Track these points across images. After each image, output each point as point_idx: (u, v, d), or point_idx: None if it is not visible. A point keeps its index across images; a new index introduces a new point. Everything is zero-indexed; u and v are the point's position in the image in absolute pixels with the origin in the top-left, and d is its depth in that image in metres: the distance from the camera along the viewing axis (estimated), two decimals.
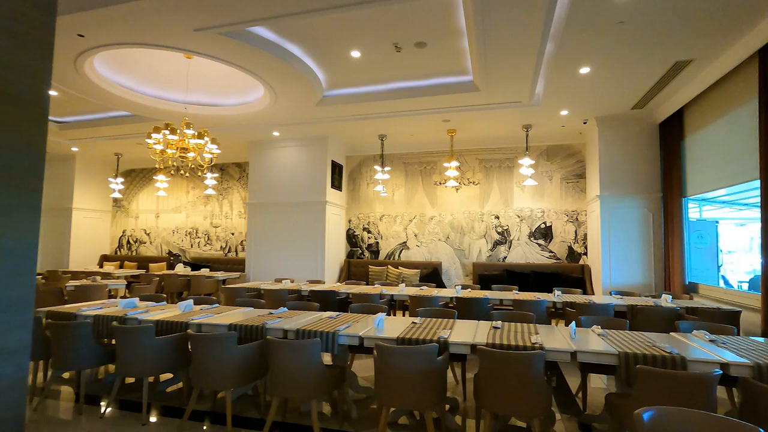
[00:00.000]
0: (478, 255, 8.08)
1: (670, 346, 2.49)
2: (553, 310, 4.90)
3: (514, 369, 2.37)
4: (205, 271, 8.23)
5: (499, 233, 8.01)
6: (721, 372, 2.04)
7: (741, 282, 9.20)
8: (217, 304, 4.19)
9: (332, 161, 8.22)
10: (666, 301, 4.56)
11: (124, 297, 7.09)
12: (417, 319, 3.44)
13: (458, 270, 8.17)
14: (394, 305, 5.63)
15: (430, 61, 5.16)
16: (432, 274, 7.96)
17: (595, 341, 2.72)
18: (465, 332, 2.99)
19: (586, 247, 7.52)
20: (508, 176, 8.03)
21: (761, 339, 2.93)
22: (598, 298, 5.11)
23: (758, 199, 7.88)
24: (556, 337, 2.84)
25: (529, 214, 7.87)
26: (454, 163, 7.33)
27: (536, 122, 6.92)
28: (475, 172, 8.21)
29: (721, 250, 6.67)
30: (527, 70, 5.01)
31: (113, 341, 3.43)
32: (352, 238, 8.86)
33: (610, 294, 5.44)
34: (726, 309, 4.12)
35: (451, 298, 5.02)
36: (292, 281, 6.64)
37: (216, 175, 9.68)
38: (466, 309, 4.58)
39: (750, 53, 4.14)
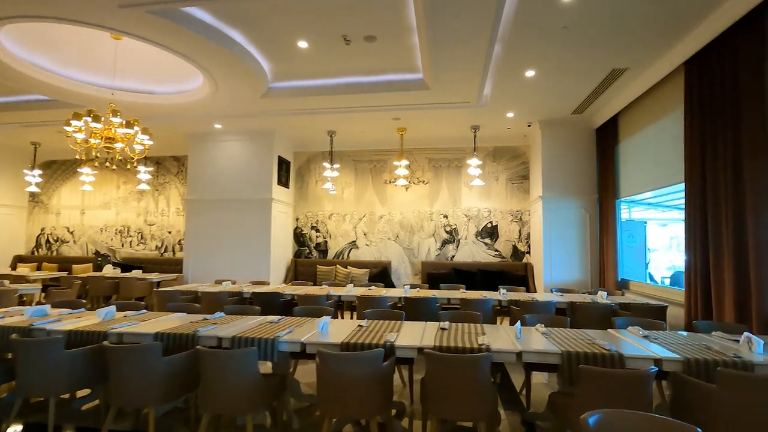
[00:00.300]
0: (427, 254, 8.11)
1: (609, 344, 2.55)
2: (498, 308, 4.97)
3: (461, 372, 2.31)
4: (137, 273, 7.58)
5: (447, 232, 8.09)
6: (657, 369, 2.10)
7: (664, 278, 10.01)
8: (145, 310, 3.81)
9: (279, 157, 7.89)
10: (602, 297, 4.78)
11: (40, 303, 6.35)
12: (364, 322, 3.31)
13: (407, 269, 8.15)
14: (341, 306, 5.47)
15: (381, 56, 5.05)
16: (381, 274, 7.88)
17: (539, 340, 2.74)
18: (412, 334, 2.91)
19: (529, 246, 7.79)
20: (457, 176, 8.13)
21: (685, 333, 3.11)
22: (541, 295, 5.27)
23: (679, 201, 8.59)
24: (502, 337, 2.83)
25: (476, 213, 8.02)
26: (404, 162, 7.30)
27: (484, 123, 7.04)
28: (424, 172, 8.23)
29: (648, 249, 7.19)
30: (476, 71, 5.05)
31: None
32: (299, 237, 8.57)
33: (552, 291, 5.64)
34: (654, 304, 4.38)
35: (400, 298, 4.95)
36: (234, 283, 6.27)
37: (151, 169, 8.98)
38: (414, 309, 4.53)
39: (677, 65, 4.43)
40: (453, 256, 8.03)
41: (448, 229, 8.09)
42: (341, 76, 5.62)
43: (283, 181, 8.11)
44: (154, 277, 7.34)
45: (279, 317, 3.52)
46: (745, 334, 2.55)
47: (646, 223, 7.12)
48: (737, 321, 3.48)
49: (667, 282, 9.41)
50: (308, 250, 8.53)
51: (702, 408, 2.13)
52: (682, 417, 2.28)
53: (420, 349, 2.60)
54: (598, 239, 6.67)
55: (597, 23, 3.92)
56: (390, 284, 7.77)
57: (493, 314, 4.78)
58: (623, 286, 6.13)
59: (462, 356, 2.32)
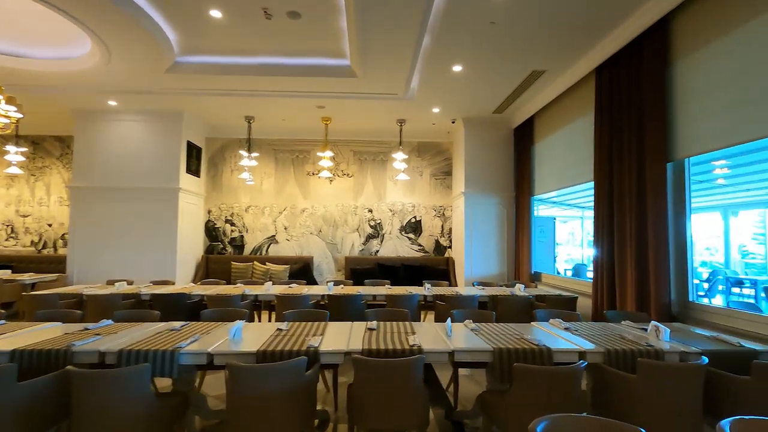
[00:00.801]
0: (351, 249, 7.90)
1: (537, 339, 2.55)
2: (423, 302, 4.92)
3: (394, 378, 2.13)
4: (5, 273, 6.32)
5: (372, 227, 7.94)
6: (586, 363, 2.10)
7: (566, 270, 10.95)
8: (4, 321, 3.07)
9: (188, 142, 7.10)
10: (520, 290, 4.96)
11: None
12: (284, 325, 2.98)
13: (330, 265, 7.87)
14: (258, 307, 5.03)
15: (305, 37, 4.69)
16: (303, 270, 7.50)
17: (470, 338, 2.66)
18: (338, 337, 2.66)
19: (450, 241, 7.95)
20: (382, 170, 8.01)
21: (595, 323, 3.28)
22: (463, 289, 5.33)
23: (578, 200, 9.39)
24: (433, 336, 2.71)
25: (400, 208, 7.98)
26: (329, 153, 6.98)
27: (410, 117, 6.99)
28: (349, 164, 7.99)
29: (557, 243, 7.74)
30: (405, 62, 4.92)
31: None
32: (212, 231, 7.83)
33: (473, 285, 5.77)
34: (566, 296, 4.63)
35: (323, 296, 4.67)
36: (131, 283, 5.47)
37: (25, 149, 7.54)
38: (339, 308, 4.28)
39: (590, 70, 4.71)
40: (377, 251, 7.92)
41: (372, 223, 7.95)
42: (261, 55, 5.14)
43: (193, 170, 7.32)
44: (28, 278, 6.17)
45: (183, 323, 3.04)
46: (653, 323, 2.71)
47: (555, 219, 7.66)
48: (638, 310, 3.77)
49: (569, 273, 10.32)
50: (222, 246, 7.83)
51: (622, 397, 2.19)
52: (603, 406, 2.34)
53: (347, 354, 2.37)
54: (514, 234, 7.00)
55: (523, 23, 3.99)
56: (312, 281, 7.43)
57: (418, 309, 4.72)
58: (536, 278, 6.49)
59: (394, 361, 2.13)
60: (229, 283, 7.11)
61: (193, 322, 3.09)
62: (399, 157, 7.00)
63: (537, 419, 1.31)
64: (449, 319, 2.93)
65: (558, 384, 2.00)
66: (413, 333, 2.75)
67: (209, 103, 6.38)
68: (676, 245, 3.62)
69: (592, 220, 4.60)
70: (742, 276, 9.46)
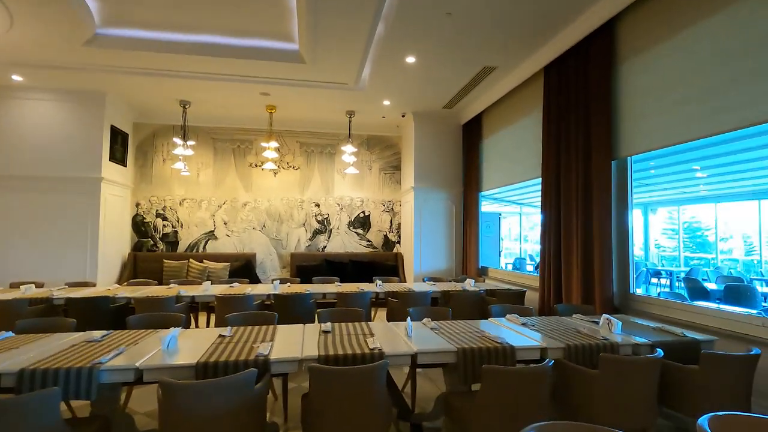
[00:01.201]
0: (297, 245, 7.56)
1: (501, 337, 2.49)
2: (374, 300, 4.78)
3: (355, 386, 1.94)
4: None
5: (319, 222, 7.66)
6: (553, 362, 2.06)
7: (508, 264, 11.38)
8: None
9: (113, 127, 6.35)
10: (470, 285, 4.98)
11: None
12: (227, 330, 2.68)
13: (275, 262, 7.48)
14: (196, 310, 4.60)
15: (250, 15, 4.31)
16: (245, 268, 7.05)
17: (431, 337, 2.55)
18: (290, 342, 2.43)
19: (399, 236, 7.88)
20: (330, 163, 7.74)
21: (549, 317, 3.32)
22: (414, 285, 5.26)
23: (519, 197, 9.75)
24: (392, 337, 2.56)
25: (349, 202, 7.77)
26: (273, 144, 6.60)
27: (360, 109, 6.79)
28: (295, 156, 7.62)
29: (502, 238, 7.99)
30: (357, 50, 4.71)
31: None
32: (140, 227, 7.11)
33: (423, 281, 5.73)
34: (515, 290, 4.72)
35: (269, 295, 4.36)
36: (41, 285, 4.77)
37: None
38: (287, 308, 4.00)
39: (539, 68, 4.80)
40: (324, 247, 7.65)
41: (319, 218, 7.66)
42: (198, 32, 4.66)
43: (119, 158, 6.58)
44: None
45: (105, 333, 2.63)
46: (605, 316, 2.77)
47: (501, 215, 7.88)
48: (583, 302, 3.90)
49: (510, 267, 10.73)
50: (152, 242, 7.14)
51: (583, 392, 2.19)
52: (563, 402, 2.33)
53: (302, 362, 2.15)
54: (462, 230, 7.07)
55: (478, 16, 3.94)
56: (255, 279, 7.01)
57: (369, 306, 4.57)
58: (483, 272, 6.60)
59: (355, 369, 1.95)
60: (161, 283, 6.51)
61: (118, 331, 2.68)
62: (348, 150, 6.78)
63: (529, 426, 1.20)
64: (409, 319, 2.80)
65: (527, 384, 1.94)
66: (371, 335, 2.58)
67: (137, 83, 5.73)
68: (619, 239, 3.78)
69: (540, 215, 4.71)
70: (660, 267, 10.38)
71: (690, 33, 3.07)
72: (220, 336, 2.54)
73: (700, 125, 2.97)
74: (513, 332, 2.70)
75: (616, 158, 3.75)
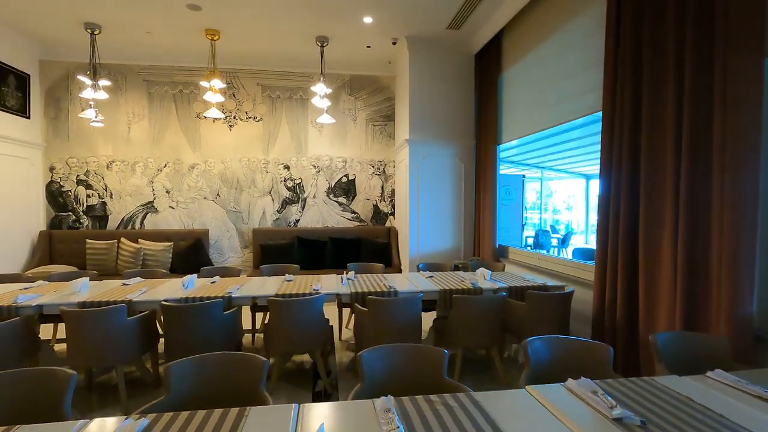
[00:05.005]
0: (262, 218, 5.94)
1: None
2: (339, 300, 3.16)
3: None
4: None
5: (289, 189, 5.99)
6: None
7: (527, 236, 9.57)
8: None
9: (2, 64, 4.66)
10: (483, 278, 3.29)
11: None
12: None
13: (234, 240, 5.89)
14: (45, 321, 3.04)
15: None
16: (194, 248, 5.49)
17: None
18: None
19: (393, 206, 6.19)
20: (302, 112, 5.97)
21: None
22: (404, 278, 3.57)
23: (539, 158, 7.83)
24: None
25: (328, 163, 6.06)
26: (218, 83, 4.84)
27: (334, 34, 4.95)
28: (256, 104, 5.86)
29: (526, 208, 6.25)
30: None
31: None
32: (58, 197, 5.54)
33: (418, 269, 4.05)
34: (556, 291, 3.01)
35: (163, 302, 2.75)
36: None
37: None
38: (181, 327, 2.40)
39: None
40: (297, 221, 6.02)
41: (290, 184, 5.98)
42: None
43: (13, 107, 4.93)
44: None
45: None
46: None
47: (524, 177, 6.08)
48: (687, 323, 2.20)
49: (531, 242, 8.97)
50: (75, 218, 5.58)
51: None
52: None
53: None
54: (473, 197, 5.33)
55: None
56: (206, 261, 5.46)
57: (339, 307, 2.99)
58: (501, 254, 4.91)
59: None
60: (84, 268, 5.05)
61: None
62: (320, 92, 4.97)
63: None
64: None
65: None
66: None
67: None
68: None
69: (600, 176, 2.94)
70: None
71: None
72: None
73: None
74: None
75: None
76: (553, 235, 9.26)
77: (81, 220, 5.57)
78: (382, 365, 1.59)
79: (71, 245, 5.36)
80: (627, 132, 2.68)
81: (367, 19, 4.62)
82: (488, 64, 4.98)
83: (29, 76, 5.19)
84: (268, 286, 3.12)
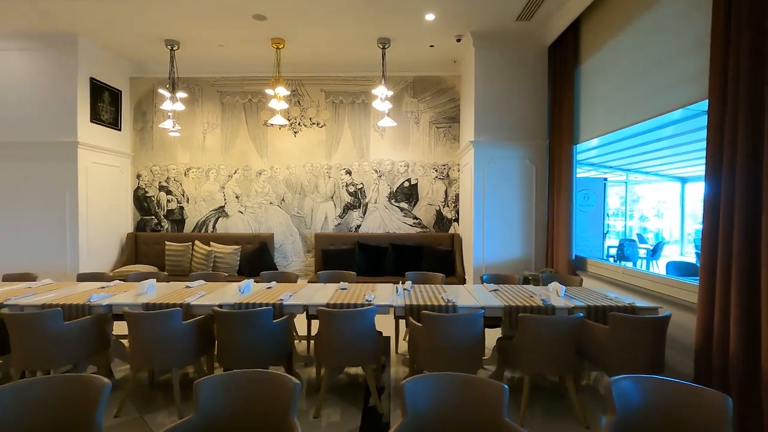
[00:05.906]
0: (324, 223, 5.96)
1: None
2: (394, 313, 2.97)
3: None
4: None
5: (351, 194, 5.94)
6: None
7: (610, 247, 8.64)
8: None
9: (93, 81, 5.17)
10: (557, 294, 2.91)
11: None
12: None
13: (297, 245, 5.97)
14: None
15: None
16: (259, 252, 5.64)
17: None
18: None
19: (457, 212, 5.88)
20: (364, 117, 5.91)
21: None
22: (468, 292, 3.29)
23: (623, 161, 6.96)
24: None
25: (389, 168, 5.92)
26: (282, 91, 4.94)
27: (396, 34, 4.82)
28: (320, 110, 5.92)
29: (608, 215, 5.59)
30: None
31: None
32: (143, 202, 6.02)
33: (482, 280, 3.73)
34: (648, 315, 2.54)
35: (219, 305, 2.76)
36: None
37: None
38: (231, 330, 2.37)
39: None
40: (358, 226, 5.95)
41: (351, 189, 5.94)
42: None
43: (107, 120, 5.44)
44: None
45: None
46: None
47: (606, 180, 5.45)
48: None
49: (613, 252, 8.06)
50: (157, 221, 6.03)
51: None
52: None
53: None
54: (546, 202, 4.86)
55: None
56: (271, 265, 5.59)
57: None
58: (578, 266, 4.39)
59: None
60: (163, 270, 5.39)
61: None
62: (381, 94, 4.85)
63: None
64: None
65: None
66: None
67: (108, 16, 4.40)
68: None
69: (705, 179, 2.44)
70: None
71: None
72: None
73: None
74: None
75: None
76: (640, 246, 8.24)
77: (162, 224, 6.00)
78: (429, 398, 1.36)
79: (153, 247, 5.78)
80: (743, 124, 2.18)
81: (430, 16, 4.42)
82: (564, 56, 4.52)
83: (121, 92, 5.71)
84: (321, 294, 3.03)
